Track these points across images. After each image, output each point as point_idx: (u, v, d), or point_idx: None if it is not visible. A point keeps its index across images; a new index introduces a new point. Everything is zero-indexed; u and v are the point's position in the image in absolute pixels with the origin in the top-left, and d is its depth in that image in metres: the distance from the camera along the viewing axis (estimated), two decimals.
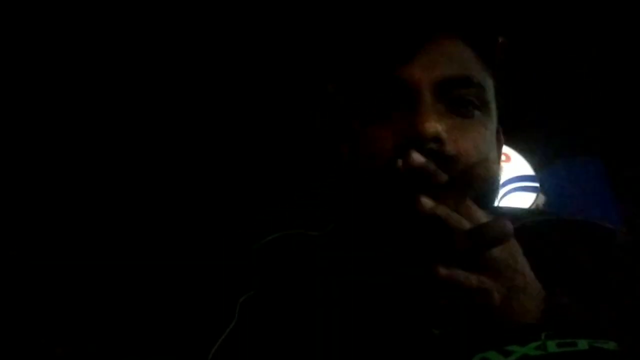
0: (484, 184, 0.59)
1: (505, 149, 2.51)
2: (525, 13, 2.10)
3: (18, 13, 2.11)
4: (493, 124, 0.64)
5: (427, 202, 0.49)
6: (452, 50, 0.61)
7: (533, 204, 2.42)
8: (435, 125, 0.55)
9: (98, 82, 2.34)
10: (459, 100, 0.59)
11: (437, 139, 0.55)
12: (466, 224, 0.48)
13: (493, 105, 0.64)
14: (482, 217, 0.49)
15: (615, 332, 0.39)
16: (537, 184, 2.46)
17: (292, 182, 2.34)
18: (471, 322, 0.42)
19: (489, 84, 0.63)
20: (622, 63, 2.38)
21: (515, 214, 0.70)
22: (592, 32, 2.30)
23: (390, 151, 0.57)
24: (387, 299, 0.56)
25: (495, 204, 0.66)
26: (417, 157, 0.53)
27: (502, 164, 2.23)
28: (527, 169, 2.48)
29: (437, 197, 0.50)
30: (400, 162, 0.53)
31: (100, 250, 2.28)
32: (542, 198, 2.45)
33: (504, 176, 2.46)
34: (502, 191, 2.43)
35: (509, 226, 0.46)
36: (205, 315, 0.62)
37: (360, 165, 0.61)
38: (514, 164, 2.48)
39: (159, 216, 2.34)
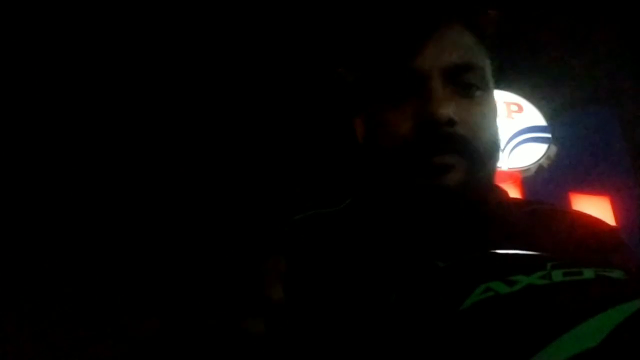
0: (486, 153, 0.68)
1: (517, 98, 2.48)
2: None
3: (18, 13, 2.10)
4: (492, 98, 0.73)
5: None
6: (455, 38, 0.70)
7: (545, 154, 2.40)
8: (447, 112, 0.64)
9: (106, 87, 2.37)
10: (463, 83, 0.68)
11: (450, 122, 0.65)
12: None
13: (491, 82, 0.73)
14: None
15: None
16: (549, 135, 2.43)
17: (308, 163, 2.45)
18: (475, 254, 0.42)
19: (487, 64, 0.72)
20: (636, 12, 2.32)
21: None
22: None
23: (407, 132, 0.66)
24: (393, 236, 0.63)
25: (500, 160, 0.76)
26: None
27: (514, 114, 2.19)
28: (539, 119, 2.45)
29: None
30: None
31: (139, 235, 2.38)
32: (553, 149, 2.43)
33: (515, 127, 2.43)
34: (513, 142, 2.41)
35: None
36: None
37: (378, 144, 0.70)
38: (525, 115, 2.45)
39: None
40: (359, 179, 0.78)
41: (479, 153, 0.67)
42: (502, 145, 2.55)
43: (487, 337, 0.36)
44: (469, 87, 0.68)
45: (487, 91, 0.72)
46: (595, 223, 0.73)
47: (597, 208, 2.25)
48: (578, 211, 0.77)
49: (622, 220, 2.21)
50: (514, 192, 2.37)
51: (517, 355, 0.34)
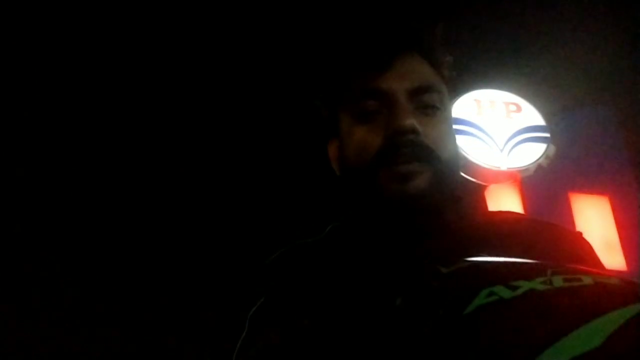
0: (448, 163, 0.76)
1: (516, 98, 2.49)
2: None
3: (18, 13, 2.11)
4: (450, 118, 0.83)
5: None
6: (416, 65, 0.80)
7: (543, 154, 2.41)
8: (412, 121, 0.73)
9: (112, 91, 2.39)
10: (425, 103, 0.77)
11: (414, 130, 0.73)
12: None
13: (449, 105, 0.83)
14: None
15: None
16: (547, 134, 2.44)
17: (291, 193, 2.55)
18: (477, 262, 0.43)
19: (444, 90, 0.82)
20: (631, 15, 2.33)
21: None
22: None
23: (378, 144, 0.74)
24: (393, 248, 0.68)
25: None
26: None
27: (512, 114, 2.22)
28: (537, 119, 2.46)
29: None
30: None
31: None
32: (552, 148, 2.43)
33: (514, 127, 2.44)
34: (512, 142, 2.42)
35: None
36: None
37: (352, 159, 0.78)
38: (524, 114, 2.46)
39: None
40: (337, 206, 0.86)
41: (442, 162, 0.74)
42: (500, 146, 2.54)
43: (492, 339, 0.37)
44: (430, 106, 0.77)
45: (447, 113, 0.81)
46: (562, 231, 0.79)
47: (596, 208, 2.27)
48: (545, 220, 0.82)
49: (622, 220, 2.22)
50: (512, 193, 2.38)
51: (522, 356, 0.35)
